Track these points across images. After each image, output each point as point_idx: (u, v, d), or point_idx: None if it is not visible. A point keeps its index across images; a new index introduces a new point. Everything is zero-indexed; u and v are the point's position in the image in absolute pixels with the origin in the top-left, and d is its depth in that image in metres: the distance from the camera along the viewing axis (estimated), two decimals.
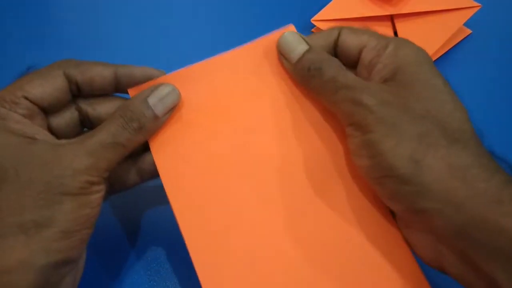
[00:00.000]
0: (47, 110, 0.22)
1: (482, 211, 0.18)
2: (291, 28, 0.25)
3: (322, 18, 0.37)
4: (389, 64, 0.22)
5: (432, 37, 0.36)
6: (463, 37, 0.38)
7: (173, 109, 0.23)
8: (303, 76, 0.23)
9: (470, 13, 0.36)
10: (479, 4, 0.36)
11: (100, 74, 0.23)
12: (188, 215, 0.22)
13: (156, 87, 0.23)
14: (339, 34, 0.24)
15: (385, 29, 0.38)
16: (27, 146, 0.20)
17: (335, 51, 0.24)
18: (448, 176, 0.18)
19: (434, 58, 0.36)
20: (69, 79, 0.23)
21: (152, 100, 0.22)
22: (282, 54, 0.24)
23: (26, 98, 0.21)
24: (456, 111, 0.21)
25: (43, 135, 0.21)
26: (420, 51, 0.22)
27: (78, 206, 0.19)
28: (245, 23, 0.39)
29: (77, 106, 0.24)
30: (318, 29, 0.38)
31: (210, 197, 0.23)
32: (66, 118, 0.23)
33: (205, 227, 0.22)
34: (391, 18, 0.38)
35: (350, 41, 0.23)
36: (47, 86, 0.22)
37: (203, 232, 0.22)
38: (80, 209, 0.20)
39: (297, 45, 0.23)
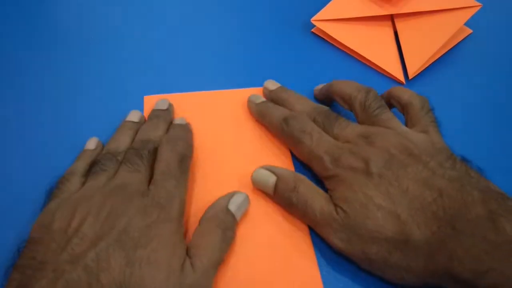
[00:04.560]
0: None
1: None
2: (259, 91, 0.33)
3: (322, 18, 0.37)
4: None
5: (432, 36, 0.36)
6: (463, 37, 0.38)
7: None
8: (284, 205, 0.26)
9: (471, 12, 0.36)
10: (480, 4, 0.36)
11: None
12: None
13: (231, 195, 0.26)
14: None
15: (385, 29, 0.37)
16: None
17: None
18: None
19: (434, 58, 0.36)
20: None
21: (232, 208, 0.25)
22: (260, 188, 0.27)
23: None
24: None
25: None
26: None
27: None
28: (245, 23, 0.39)
29: None
30: (318, 29, 0.38)
31: None
32: None
33: None
34: (391, 18, 0.38)
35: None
36: None
37: None
38: None
39: (268, 178, 0.26)
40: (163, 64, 0.35)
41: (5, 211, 0.26)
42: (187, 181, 0.26)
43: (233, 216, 0.24)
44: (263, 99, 0.31)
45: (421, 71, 0.35)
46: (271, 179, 0.26)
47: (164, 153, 0.25)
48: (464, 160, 0.24)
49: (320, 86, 0.32)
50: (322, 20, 0.37)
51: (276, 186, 0.26)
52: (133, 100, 0.32)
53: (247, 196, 0.26)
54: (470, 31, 0.39)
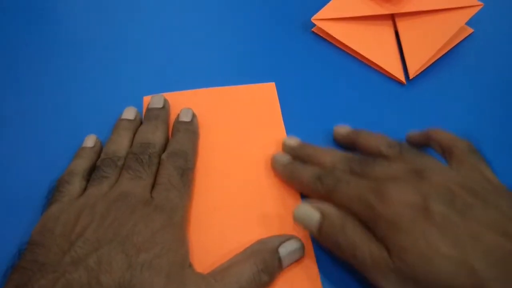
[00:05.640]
0: None
1: None
2: (272, 86, 0.33)
3: (323, 17, 0.37)
4: None
5: (433, 36, 0.36)
6: (465, 36, 0.38)
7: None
8: (330, 247, 0.23)
9: (472, 12, 0.36)
10: (481, 3, 0.36)
11: None
12: None
13: (287, 238, 0.24)
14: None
15: (386, 28, 0.37)
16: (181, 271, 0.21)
17: None
18: None
19: (435, 58, 0.36)
20: None
21: (282, 252, 0.23)
22: (303, 226, 0.24)
23: None
24: None
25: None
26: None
27: None
28: (245, 22, 0.39)
29: None
30: (319, 28, 0.37)
31: None
32: None
33: None
34: (392, 17, 0.38)
35: None
36: None
37: None
38: None
39: (312, 216, 0.23)
40: (163, 64, 0.35)
41: (4, 211, 0.26)
42: (190, 191, 0.26)
43: (279, 260, 0.23)
44: (289, 157, 0.28)
45: (422, 71, 0.35)
46: (316, 217, 0.23)
47: (166, 169, 0.25)
48: None
49: (342, 130, 0.30)
50: (322, 19, 0.37)
51: (321, 225, 0.23)
52: (133, 101, 0.32)
53: (303, 246, 0.24)
54: (471, 30, 0.38)
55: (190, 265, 0.22)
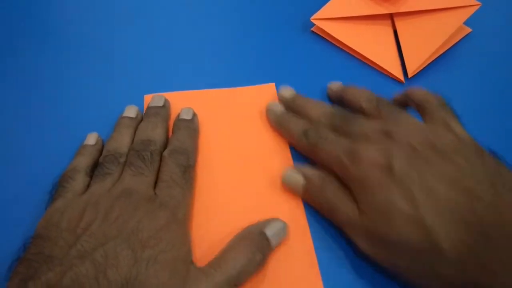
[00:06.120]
0: None
1: None
2: (272, 86, 0.33)
3: (322, 17, 0.37)
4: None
5: (432, 35, 0.36)
6: (463, 36, 0.38)
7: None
8: (313, 206, 0.26)
9: (470, 11, 0.36)
10: (479, 3, 0.36)
11: None
12: None
13: (269, 221, 0.25)
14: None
15: (385, 28, 0.37)
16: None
17: None
18: None
19: (434, 57, 0.36)
20: None
21: (268, 233, 0.24)
22: (291, 190, 0.27)
23: None
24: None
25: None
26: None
27: None
28: (245, 21, 0.39)
29: None
30: (318, 27, 0.38)
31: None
32: None
33: None
34: (391, 17, 0.38)
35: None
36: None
37: None
38: None
39: (297, 180, 0.26)
40: (164, 63, 0.35)
41: (7, 207, 0.27)
42: (192, 188, 0.26)
43: (267, 240, 0.24)
44: (282, 108, 0.31)
45: (421, 70, 0.35)
46: (300, 181, 0.26)
47: (168, 166, 0.26)
48: (492, 153, 0.22)
49: (334, 86, 0.32)
50: (322, 19, 0.37)
51: (305, 188, 0.26)
52: (134, 99, 0.32)
53: (286, 225, 0.25)
54: (469, 30, 0.39)
55: (192, 261, 0.23)
